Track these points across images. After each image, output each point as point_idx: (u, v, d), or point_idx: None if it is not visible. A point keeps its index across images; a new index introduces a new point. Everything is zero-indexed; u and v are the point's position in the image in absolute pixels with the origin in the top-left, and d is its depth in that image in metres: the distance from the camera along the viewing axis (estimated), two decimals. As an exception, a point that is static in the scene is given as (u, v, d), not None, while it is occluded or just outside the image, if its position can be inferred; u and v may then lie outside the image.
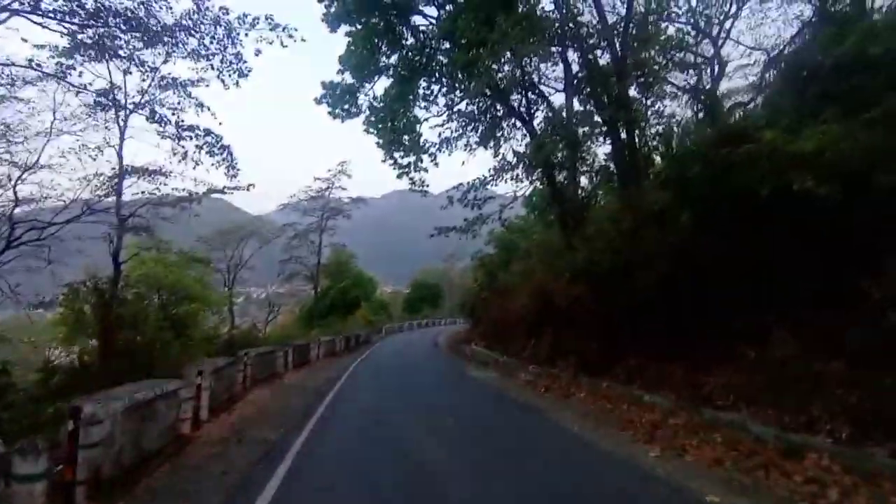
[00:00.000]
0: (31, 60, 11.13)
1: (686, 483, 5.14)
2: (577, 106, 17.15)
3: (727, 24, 16.53)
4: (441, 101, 18.32)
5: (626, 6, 14.74)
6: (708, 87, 15.96)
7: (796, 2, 14.47)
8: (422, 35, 17.48)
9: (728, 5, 16.34)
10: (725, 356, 7.65)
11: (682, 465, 5.77)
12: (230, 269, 34.66)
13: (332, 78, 17.55)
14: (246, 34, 12.45)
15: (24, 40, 11.06)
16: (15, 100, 11.83)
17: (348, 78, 17.46)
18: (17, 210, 12.40)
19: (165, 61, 13.32)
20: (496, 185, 19.24)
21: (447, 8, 16.49)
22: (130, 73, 13.19)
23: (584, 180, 18.26)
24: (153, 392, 6.38)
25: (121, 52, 12.17)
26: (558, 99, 17.89)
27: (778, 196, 6.93)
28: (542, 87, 17.87)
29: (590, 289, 11.64)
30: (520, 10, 14.81)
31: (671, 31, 16.72)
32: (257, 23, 12.24)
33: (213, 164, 14.23)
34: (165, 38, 12.12)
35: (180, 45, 12.53)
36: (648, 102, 17.18)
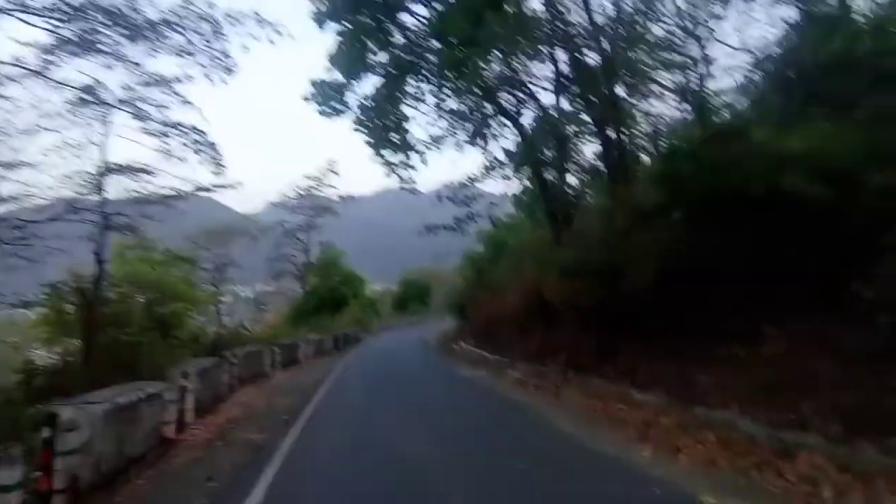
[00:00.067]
0: (17, 59, 10.86)
1: (680, 483, 5.10)
2: (565, 105, 17.25)
3: (714, 25, 16.68)
4: (430, 99, 18.23)
5: (614, 6, 14.82)
6: (695, 87, 16.07)
7: (781, 4, 14.64)
8: (411, 33, 17.38)
9: (715, 6, 16.49)
10: (717, 355, 7.66)
11: (675, 465, 5.74)
12: (218, 268, 34.28)
13: (321, 76, 17.39)
14: (233, 30, 12.27)
15: (15, 41, 10.77)
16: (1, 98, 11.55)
17: (338, 76, 17.30)
18: (0, 209, 12.11)
19: (149, 56, 13.06)
20: (485, 183, 19.29)
21: (436, 6, 16.40)
22: (111, 68, 12.90)
23: (572, 179, 18.37)
24: (136, 395, 6.22)
25: (104, 48, 11.90)
26: (547, 98, 17.91)
27: (769, 195, 6.94)
28: (531, 86, 17.86)
29: (580, 286, 11.62)
30: (509, 9, 14.76)
31: (658, 31, 16.82)
32: (244, 19, 12.07)
33: (199, 162, 13.99)
34: (149, 34, 11.87)
35: (165, 41, 12.30)
36: (636, 102, 17.32)
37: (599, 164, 16.57)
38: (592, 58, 15.51)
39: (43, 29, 10.29)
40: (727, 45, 16.94)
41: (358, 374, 16.78)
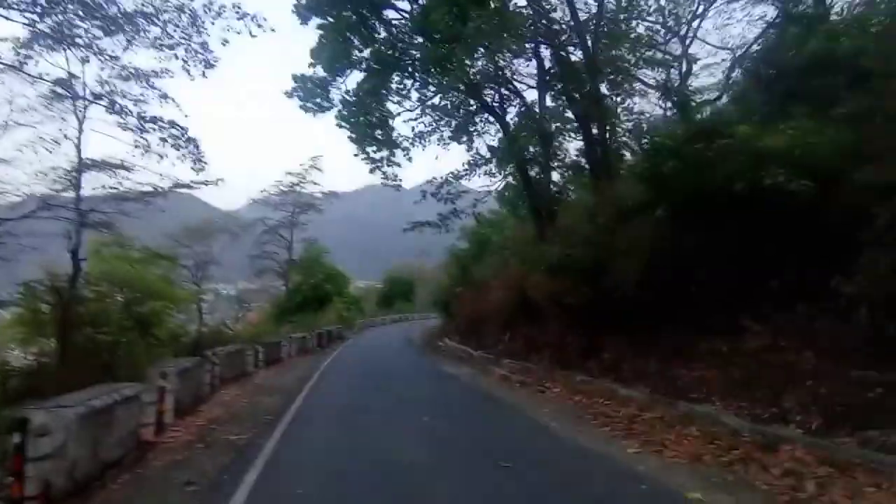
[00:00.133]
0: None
1: (666, 479, 5.11)
2: (549, 102, 17.30)
3: (695, 24, 16.91)
4: (414, 95, 18.12)
5: (597, 4, 14.88)
6: (677, 84, 16.23)
7: (761, 3, 14.85)
8: (395, 29, 17.23)
9: (696, 5, 16.71)
10: (700, 350, 7.75)
11: (661, 461, 5.75)
12: (199, 266, 33.75)
13: (303, 71, 17.14)
14: (212, 23, 12.01)
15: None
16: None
17: (320, 71, 17.03)
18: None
19: (126, 49, 12.73)
20: (469, 179, 19.27)
21: (420, 2, 16.28)
22: (88, 61, 12.56)
23: (556, 175, 18.45)
24: (112, 398, 6.03)
25: (79, 41, 11.57)
26: (531, 94, 17.96)
27: (752, 191, 7.02)
28: (516, 83, 17.92)
29: (564, 283, 11.66)
30: (493, 5, 14.72)
31: (641, 29, 16.96)
32: (224, 11, 11.81)
33: (178, 158, 13.68)
34: (126, 26, 11.58)
35: (142, 33, 11.99)
36: (619, 99, 17.48)
37: (583, 160, 16.64)
38: (576, 55, 15.62)
39: (17, 22, 9.99)
40: (708, 43, 17.23)
41: (342, 372, 16.64)
